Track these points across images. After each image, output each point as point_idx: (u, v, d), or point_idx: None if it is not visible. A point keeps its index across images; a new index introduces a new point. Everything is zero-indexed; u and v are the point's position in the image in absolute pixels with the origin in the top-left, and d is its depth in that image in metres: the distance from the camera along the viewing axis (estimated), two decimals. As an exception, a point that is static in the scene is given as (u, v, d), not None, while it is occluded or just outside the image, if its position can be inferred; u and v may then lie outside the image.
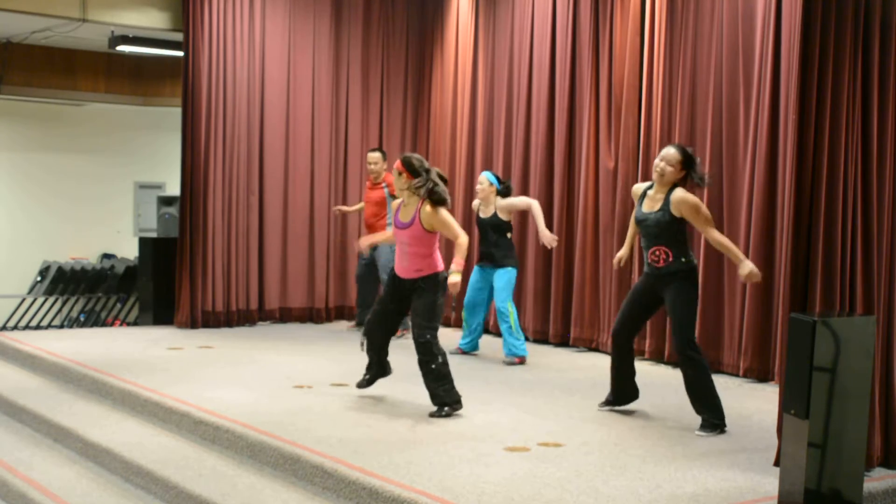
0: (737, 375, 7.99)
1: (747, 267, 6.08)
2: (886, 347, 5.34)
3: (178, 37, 10.56)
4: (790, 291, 5.24)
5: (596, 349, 9.20)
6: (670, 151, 6.22)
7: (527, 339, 9.83)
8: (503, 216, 8.56)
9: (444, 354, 6.53)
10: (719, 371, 8.13)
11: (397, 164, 6.65)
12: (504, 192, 8.63)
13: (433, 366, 6.46)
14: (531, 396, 7.10)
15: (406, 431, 6.00)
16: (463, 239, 6.55)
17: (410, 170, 6.56)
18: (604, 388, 6.98)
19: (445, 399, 6.48)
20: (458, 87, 10.95)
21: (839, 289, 5.18)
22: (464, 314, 8.91)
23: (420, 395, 6.92)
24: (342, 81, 11.19)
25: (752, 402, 7.07)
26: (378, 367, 6.98)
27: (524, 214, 9.56)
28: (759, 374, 7.86)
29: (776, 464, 5.20)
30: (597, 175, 9.28)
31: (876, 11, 5.27)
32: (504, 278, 8.56)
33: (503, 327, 8.53)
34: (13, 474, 6.17)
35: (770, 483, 5.04)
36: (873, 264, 5.26)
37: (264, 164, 10.76)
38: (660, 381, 7.63)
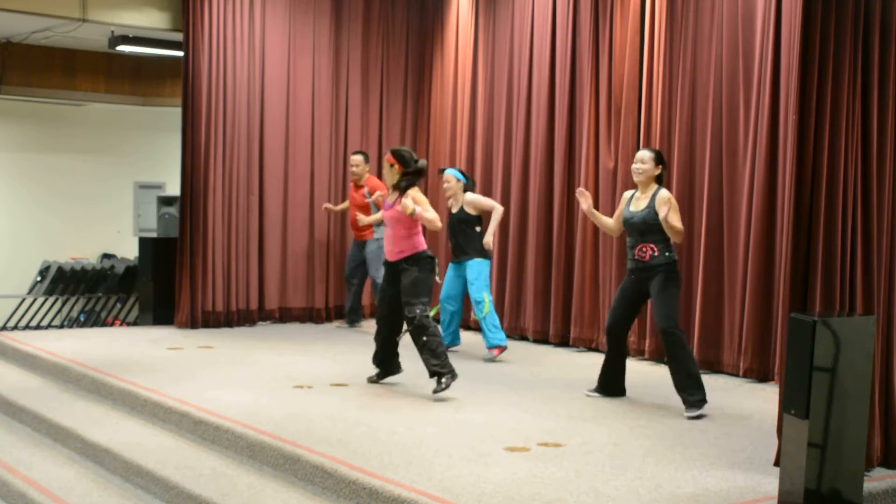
0: (737, 375, 7.99)
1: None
2: (886, 347, 5.33)
3: (178, 37, 10.55)
4: (790, 291, 5.24)
5: (596, 349, 9.19)
6: (641, 153, 6.86)
7: (527, 338, 9.87)
8: (470, 211, 8.69)
9: (434, 327, 6.93)
10: (719, 371, 8.14)
11: (389, 156, 7.15)
12: (471, 186, 8.83)
13: (424, 338, 6.88)
14: (531, 396, 7.10)
15: (406, 431, 5.99)
16: (432, 215, 6.99)
17: (402, 161, 7.10)
18: (604, 388, 7.05)
19: (440, 370, 6.86)
20: (458, 87, 10.94)
21: (839, 289, 5.18)
22: (439, 306, 9.02)
23: (420, 396, 6.93)
24: (342, 82, 11.18)
25: (752, 402, 7.08)
26: (386, 362, 7.31)
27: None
28: (759, 374, 7.85)
29: (776, 464, 5.20)
30: (597, 175, 9.28)
31: (876, 11, 5.27)
32: (475, 269, 8.62)
33: (479, 318, 8.58)
34: (13, 474, 6.17)
35: (770, 483, 5.04)
36: (873, 264, 5.25)
37: (264, 164, 10.76)
38: (660, 381, 7.62)
